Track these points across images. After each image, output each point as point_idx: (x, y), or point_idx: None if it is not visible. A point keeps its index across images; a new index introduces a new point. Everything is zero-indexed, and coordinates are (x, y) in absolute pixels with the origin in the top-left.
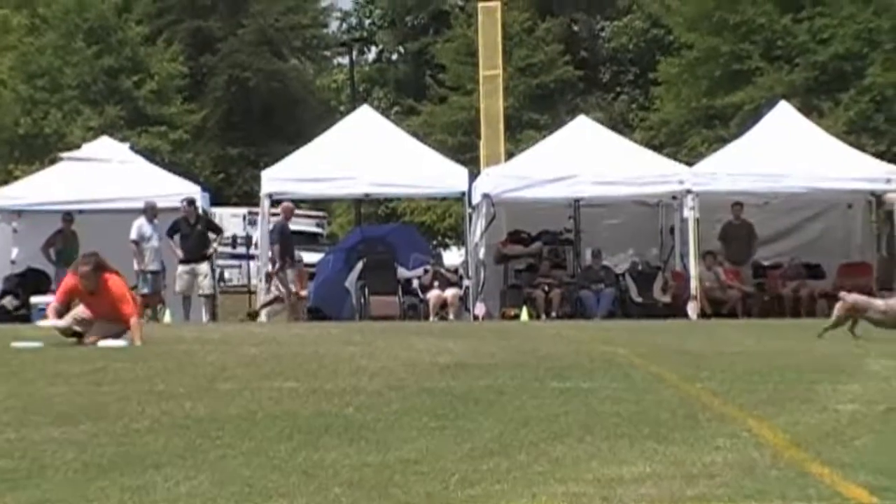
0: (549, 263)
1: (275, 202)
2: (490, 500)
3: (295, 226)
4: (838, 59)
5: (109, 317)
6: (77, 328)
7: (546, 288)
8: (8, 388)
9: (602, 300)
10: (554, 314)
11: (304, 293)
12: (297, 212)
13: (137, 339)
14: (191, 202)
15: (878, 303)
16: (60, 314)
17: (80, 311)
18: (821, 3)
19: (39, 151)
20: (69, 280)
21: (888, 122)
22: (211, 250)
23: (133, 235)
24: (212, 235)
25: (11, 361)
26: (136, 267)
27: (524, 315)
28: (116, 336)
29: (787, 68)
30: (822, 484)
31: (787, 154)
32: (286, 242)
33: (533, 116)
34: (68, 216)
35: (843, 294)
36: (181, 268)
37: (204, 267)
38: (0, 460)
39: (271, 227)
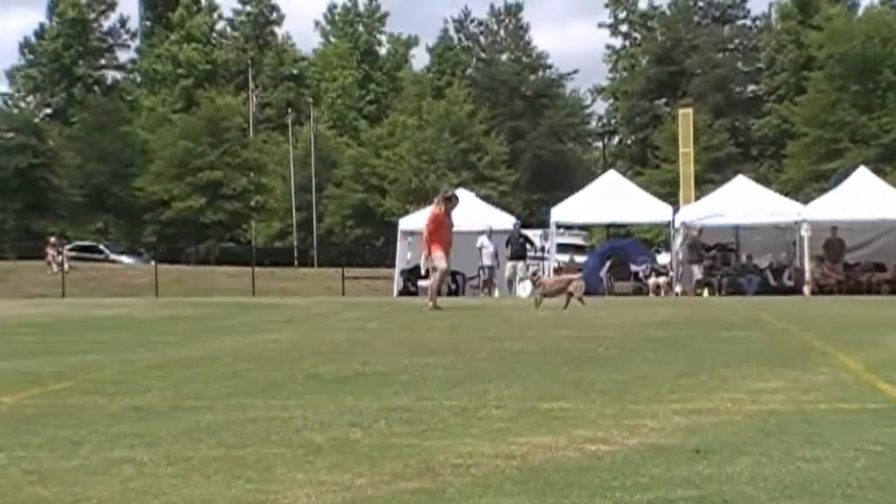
0: (721, 262)
1: (559, 226)
2: (686, 403)
3: (570, 240)
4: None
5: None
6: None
7: (719, 277)
8: (404, 334)
9: (752, 284)
10: (723, 293)
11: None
12: (573, 232)
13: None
14: (516, 225)
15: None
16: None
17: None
18: (884, 108)
19: (423, 197)
20: (435, 210)
21: None
22: (526, 253)
23: (477, 245)
24: (528, 246)
25: (405, 318)
26: (478, 263)
27: (706, 293)
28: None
29: (864, 147)
30: (885, 394)
31: (864, 198)
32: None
33: (711, 176)
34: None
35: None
36: (509, 263)
37: (521, 264)
38: (402, 375)
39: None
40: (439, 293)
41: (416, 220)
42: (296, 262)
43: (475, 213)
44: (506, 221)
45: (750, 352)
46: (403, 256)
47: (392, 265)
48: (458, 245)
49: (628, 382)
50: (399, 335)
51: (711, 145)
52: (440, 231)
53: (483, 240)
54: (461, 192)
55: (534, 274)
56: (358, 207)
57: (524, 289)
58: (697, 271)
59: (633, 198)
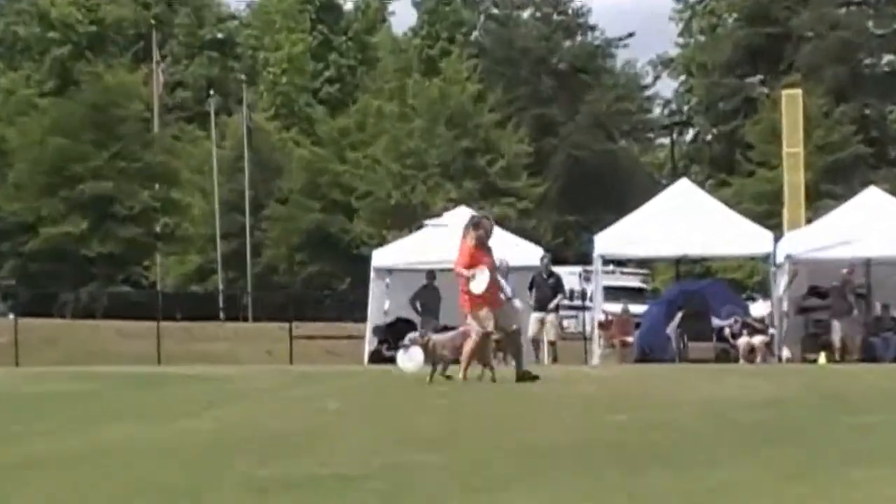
0: None
1: (607, 261)
2: None
3: (622, 281)
4: None
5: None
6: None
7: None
8: (381, 419)
9: (890, 346)
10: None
11: (630, 339)
12: (626, 270)
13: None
14: (544, 260)
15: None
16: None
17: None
18: None
19: (408, 219)
20: (464, 246)
21: None
22: (555, 303)
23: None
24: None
25: (383, 396)
26: None
27: (822, 359)
28: None
29: None
30: None
31: None
32: None
33: (829, 188)
34: (431, 274)
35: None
36: (533, 315)
37: (552, 316)
38: (375, 480)
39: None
40: (484, 363)
41: (397, 253)
42: (222, 315)
43: None
44: (528, 254)
45: (888, 445)
46: (379, 305)
47: (362, 318)
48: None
49: (711, 491)
50: (374, 421)
51: (830, 143)
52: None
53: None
54: (462, 213)
55: (422, 336)
56: (312, 234)
57: (410, 358)
58: (852, 327)
59: (714, 219)
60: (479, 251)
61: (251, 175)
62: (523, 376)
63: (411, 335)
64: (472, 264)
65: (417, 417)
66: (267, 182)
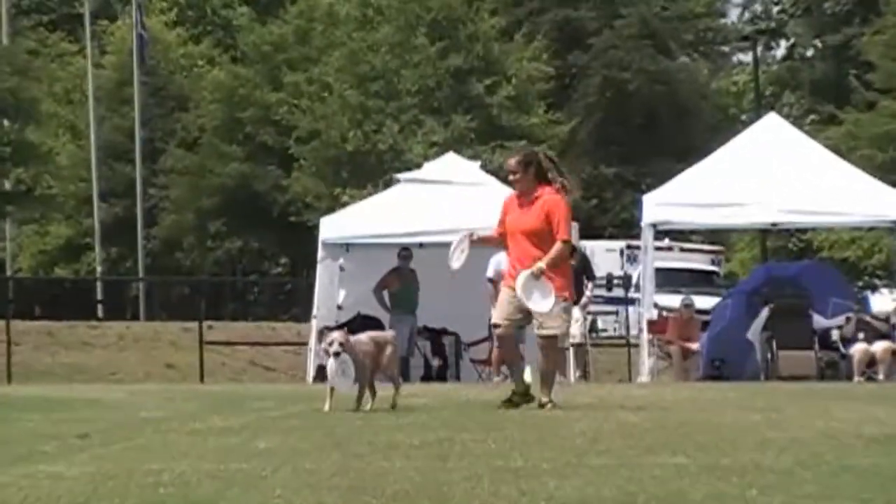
0: None
1: (660, 233)
2: None
3: (682, 262)
4: None
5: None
6: None
7: None
8: (332, 463)
9: None
10: None
11: (694, 346)
12: (688, 246)
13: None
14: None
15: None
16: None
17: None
18: None
19: (372, 172)
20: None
21: None
22: (585, 299)
23: (489, 274)
24: (588, 275)
25: (334, 429)
26: (491, 314)
27: None
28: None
29: None
30: None
31: None
32: None
33: None
34: (406, 251)
35: None
36: None
37: (576, 312)
38: None
39: None
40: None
41: (356, 221)
42: (100, 311)
43: (483, 208)
44: None
45: None
46: (329, 297)
47: (304, 316)
48: (448, 277)
49: None
50: (319, 465)
51: None
52: (509, 242)
53: (498, 261)
54: (451, 162)
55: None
56: (232, 193)
57: (345, 371)
58: None
59: (817, 171)
60: (519, 201)
61: (144, 107)
62: (542, 405)
63: (335, 335)
64: (501, 230)
65: (381, 461)
66: (167, 118)
